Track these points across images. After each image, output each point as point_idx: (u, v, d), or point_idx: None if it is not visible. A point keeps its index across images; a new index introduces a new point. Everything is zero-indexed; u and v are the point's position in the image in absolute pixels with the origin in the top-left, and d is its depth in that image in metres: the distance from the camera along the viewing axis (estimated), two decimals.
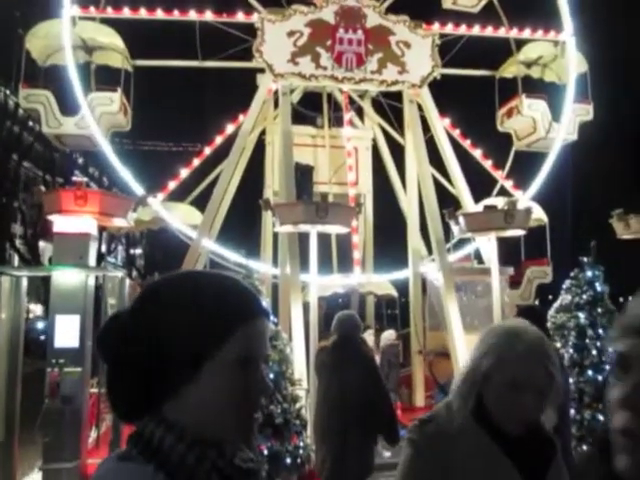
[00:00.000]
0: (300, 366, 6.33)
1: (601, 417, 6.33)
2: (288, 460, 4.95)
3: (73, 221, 6.01)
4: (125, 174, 8.89)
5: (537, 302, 12.04)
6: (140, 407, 0.84)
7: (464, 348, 7.70)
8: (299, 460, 5.06)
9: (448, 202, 9.34)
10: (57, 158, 22.89)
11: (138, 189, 8.85)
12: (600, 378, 6.47)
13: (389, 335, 9.29)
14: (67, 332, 5.59)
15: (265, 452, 4.82)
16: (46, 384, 5.45)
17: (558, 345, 6.69)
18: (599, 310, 6.73)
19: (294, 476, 5.23)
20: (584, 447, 6.16)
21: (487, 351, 1.46)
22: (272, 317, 0.96)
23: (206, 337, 0.83)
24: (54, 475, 5.19)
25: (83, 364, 5.59)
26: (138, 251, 32.10)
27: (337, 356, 4.42)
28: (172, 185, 9.80)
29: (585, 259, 6.96)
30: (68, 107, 8.64)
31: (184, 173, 10.04)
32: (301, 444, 5.15)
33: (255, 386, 0.86)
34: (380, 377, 4.47)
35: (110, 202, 6.49)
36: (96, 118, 8.43)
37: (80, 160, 25.77)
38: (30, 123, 20.37)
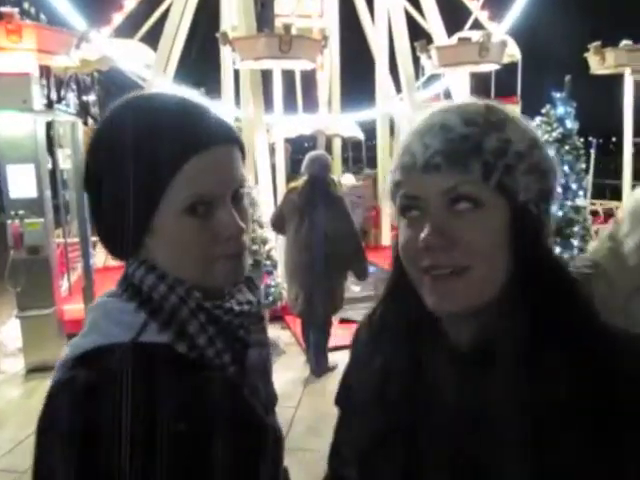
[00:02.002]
0: (268, 208, 6.30)
1: (558, 248, 6.69)
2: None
3: (8, 59, 5.41)
4: (62, 4, 7.91)
5: None
6: (121, 248, 0.79)
7: None
8: (271, 298, 5.25)
9: (420, 37, 8.77)
10: None
11: (80, 24, 7.95)
12: (561, 213, 6.70)
13: (348, 179, 9.35)
14: (22, 182, 5.33)
15: None
16: (9, 236, 5.32)
17: None
18: (566, 148, 6.73)
19: (266, 312, 5.46)
20: None
21: None
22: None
23: (144, 185, 0.70)
24: (32, 321, 5.28)
25: (44, 214, 5.41)
26: (91, 97, 30.24)
27: (307, 196, 4.37)
28: (118, 19, 8.86)
29: (558, 95, 6.79)
30: None
31: (129, 4, 9.02)
32: (272, 283, 5.31)
33: (217, 230, 0.74)
34: (349, 215, 4.49)
35: (49, 37, 5.80)
36: None
37: None
38: None
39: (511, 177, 0.67)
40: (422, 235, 0.68)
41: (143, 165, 0.70)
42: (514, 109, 0.75)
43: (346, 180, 9.16)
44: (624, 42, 7.96)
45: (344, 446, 0.86)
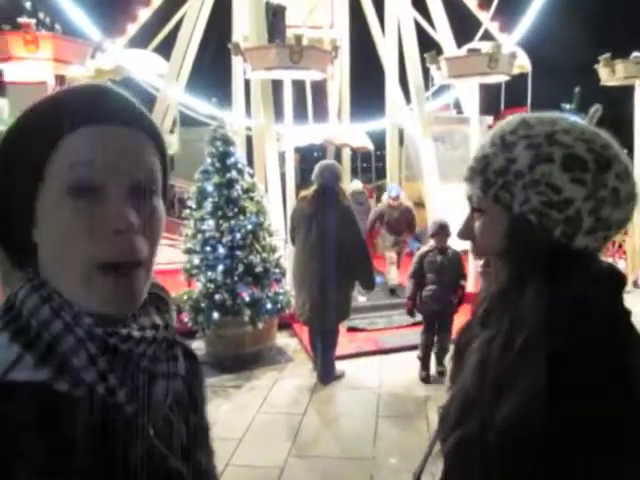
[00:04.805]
0: (277, 217, 6.36)
1: None
2: (269, 305, 5.15)
3: (25, 69, 5.52)
4: (78, 15, 8.06)
5: None
6: (10, 252, 0.67)
7: (439, 198, 7.79)
8: (279, 305, 5.27)
9: (429, 48, 8.82)
10: (1, 2, 20.67)
11: (94, 34, 8.09)
12: None
13: (355, 184, 9.37)
14: None
15: (247, 299, 5.00)
16: None
17: None
18: None
19: (275, 319, 5.49)
20: None
21: None
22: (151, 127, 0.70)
23: (22, 168, 0.63)
24: None
25: None
26: None
27: (316, 204, 4.41)
28: (131, 29, 9.00)
29: (567, 106, 6.81)
30: None
31: (143, 15, 9.17)
32: (280, 290, 5.33)
33: (97, 221, 0.61)
34: (358, 226, 4.52)
35: (65, 47, 5.92)
36: None
37: (28, 4, 23.37)
38: None
39: (507, 191, 0.82)
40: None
41: (22, 146, 0.63)
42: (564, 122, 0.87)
43: (353, 185, 9.16)
44: (634, 54, 7.97)
45: None
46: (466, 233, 0.91)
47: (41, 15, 22.79)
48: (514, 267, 0.82)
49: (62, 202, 0.61)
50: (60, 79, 7.69)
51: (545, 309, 0.76)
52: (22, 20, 5.72)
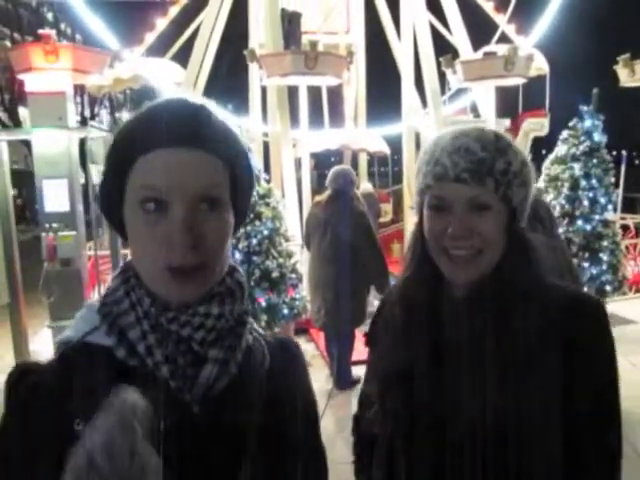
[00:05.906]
0: (293, 222, 6.38)
1: (586, 264, 6.55)
2: (285, 311, 5.17)
3: (45, 79, 5.62)
4: (97, 25, 8.21)
5: (531, 156, 11.93)
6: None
7: None
8: (295, 310, 5.28)
9: (446, 51, 8.79)
10: (24, 15, 21.16)
11: (113, 44, 8.23)
12: (588, 228, 6.59)
13: (365, 187, 9.32)
14: (56, 197, 5.52)
15: (263, 304, 5.02)
16: (43, 248, 5.49)
17: (550, 197, 6.70)
18: (594, 161, 6.63)
19: (291, 324, 5.50)
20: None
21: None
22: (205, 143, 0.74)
23: (110, 178, 0.76)
24: (63, 331, 5.41)
25: (77, 228, 5.57)
26: (124, 115, 30.98)
27: (331, 210, 4.42)
28: (149, 38, 9.13)
29: (585, 108, 6.72)
30: None
31: (161, 24, 9.30)
32: (297, 296, 5.34)
33: (161, 233, 0.70)
34: (372, 230, 4.52)
35: (84, 57, 6.01)
36: None
37: (49, 16, 23.90)
38: None
39: (510, 189, 0.99)
40: (450, 228, 0.98)
41: (111, 162, 0.76)
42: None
43: (362, 187, 9.11)
44: None
45: (371, 381, 1.17)
46: (466, 230, 0.98)
47: (62, 26, 23.32)
48: (510, 251, 1.00)
49: (137, 213, 0.72)
50: (79, 88, 7.84)
51: (542, 280, 1.03)
52: (42, 31, 5.84)
